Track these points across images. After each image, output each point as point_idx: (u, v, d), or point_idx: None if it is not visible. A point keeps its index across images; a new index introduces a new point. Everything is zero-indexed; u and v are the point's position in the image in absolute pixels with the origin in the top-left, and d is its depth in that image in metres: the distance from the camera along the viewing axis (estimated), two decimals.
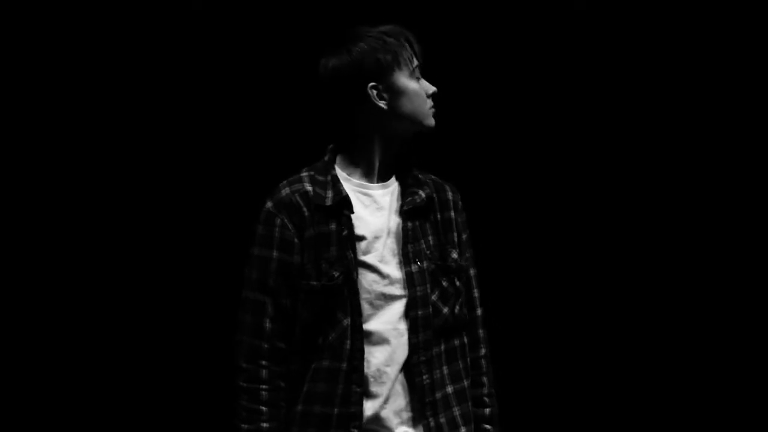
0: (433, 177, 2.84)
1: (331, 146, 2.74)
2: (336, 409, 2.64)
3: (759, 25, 4.13)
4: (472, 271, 2.87)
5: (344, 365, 2.64)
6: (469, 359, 2.80)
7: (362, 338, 2.65)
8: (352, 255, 2.65)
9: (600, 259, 4.25)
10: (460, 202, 2.85)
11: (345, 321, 2.64)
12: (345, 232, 2.65)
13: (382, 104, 2.68)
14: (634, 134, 4.22)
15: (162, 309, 4.23)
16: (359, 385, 2.65)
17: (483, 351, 2.84)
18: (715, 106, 4.19)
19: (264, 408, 2.65)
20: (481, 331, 2.85)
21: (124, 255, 4.22)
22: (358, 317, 2.65)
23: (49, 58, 4.16)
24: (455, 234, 2.78)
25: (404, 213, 2.71)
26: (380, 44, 2.68)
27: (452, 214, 2.79)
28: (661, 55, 4.19)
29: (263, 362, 2.65)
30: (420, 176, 2.80)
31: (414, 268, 2.69)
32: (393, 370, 2.67)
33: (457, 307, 2.75)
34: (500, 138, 4.23)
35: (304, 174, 2.72)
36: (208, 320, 4.16)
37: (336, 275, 2.64)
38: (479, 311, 2.86)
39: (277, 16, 4.20)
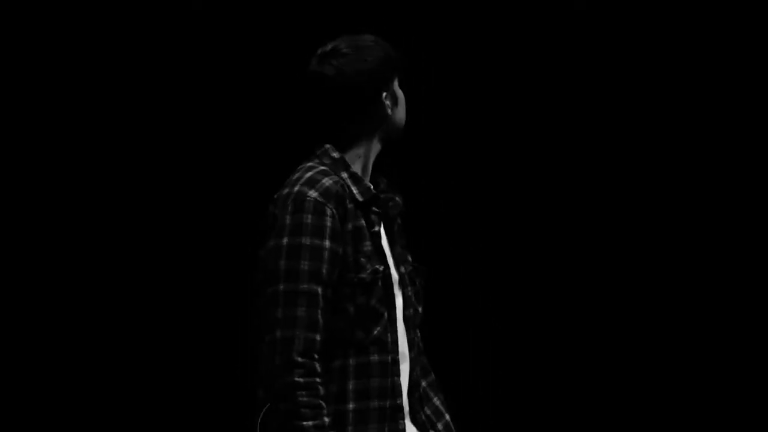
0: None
1: (327, 145, 2.73)
2: (388, 402, 2.64)
3: (759, 25, 4.13)
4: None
5: (389, 358, 2.63)
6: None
7: (396, 331, 2.66)
8: (384, 249, 2.66)
9: (596, 260, 4.25)
10: None
11: (386, 314, 2.63)
12: (376, 228, 2.65)
13: (389, 111, 2.70)
14: (633, 134, 4.22)
15: (157, 308, 4.24)
16: (399, 377, 2.65)
17: (422, 346, 2.83)
18: (715, 106, 4.18)
19: (323, 402, 2.55)
20: (418, 330, 2.82)
21: (118, 254, 4.23)
22: (393, 310, 2.65)
23: (49, 58, 4.16)
24: (405, 239, 2.79)
25: (394, 216, 2.71)
26: (388, 53, 2.69)
27: (400, 219, 2.77)
28: (661, 55, 4.19)
29: (316, 356, 2.56)
30: (385, 180, 2.80)
31: (402, 269, 2.70)
32: (406, 366, 2.69)
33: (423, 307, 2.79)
34: (500, 138, 4.22)
35: (323, 168, 2.66)
36: (202, 320, 4.18)
37: (381, 268, 2.62)
38: None
39: (275, 16, 4.20)
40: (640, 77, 4.20)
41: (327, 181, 2.60)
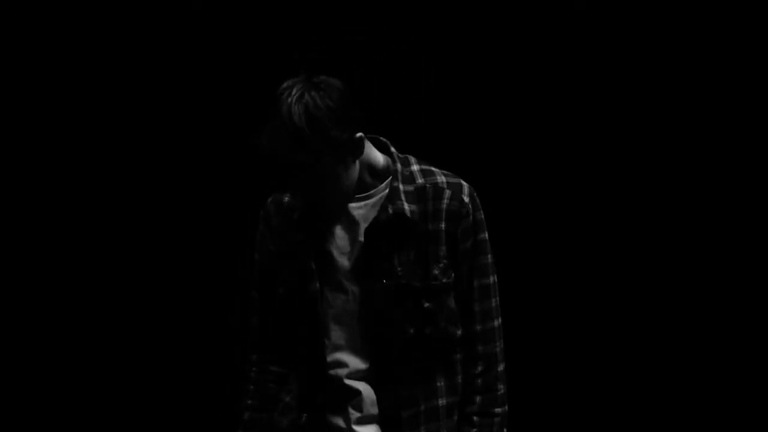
0: (438, 180, 2.74)
1: None
2: (305, 414, 2.73)
3: (759, 25, 4.12)
4: (475, 283, 2.74)
5: (305, 369, 2.72)
6: (461, 376, 2.75)
7: (323, 347, 2.68)
8: (314, 267, 2.67)
9: (596, 259, 4.24)
10: (464, 209, 2.72)
11: (302, 330, 2.70)
12: (308, 245, 2.68)
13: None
14: (634, 134, 4.21)
15: (157, 310, 4.24)
16: (322, 392, 2.70)
17: (479, 368, 2.74)
18: (716, 106, 4.17)
19: (251, 386, 2.84)
20: (480, 347, 2.74)
21: (117, 256, 4.24)
22: (318, 328, 2.68)
23: (49, 58, 4.17)
24: (443, 247, 2.69)
25: (368, 230, 2.67)
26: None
27: (442, 225, 2.69)
28: (661, 55, 4.18)
29: (256, 348, 2.85)
30: (418, 180, 2.74)
31: (376, 285, 2.65)
32: (355, 383, 2.68)
33: (430, 327, 2.68)
34: (499, 138, 4.22)
35: None
36: (203, 321, 4.19)
37: (294, 286, 2.69)
38: (479, 326, 2.74)
39: (274, 17, 4.20)
40: (640, 77, 4.19)
41: (270, 199, 2.79)
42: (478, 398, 2.74)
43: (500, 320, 2.77)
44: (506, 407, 2.77)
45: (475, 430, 2.73)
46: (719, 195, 4.19)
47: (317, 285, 2.66)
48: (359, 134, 2.59)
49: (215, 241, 4.21)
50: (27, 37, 4.16)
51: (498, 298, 2.77)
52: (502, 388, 2.76)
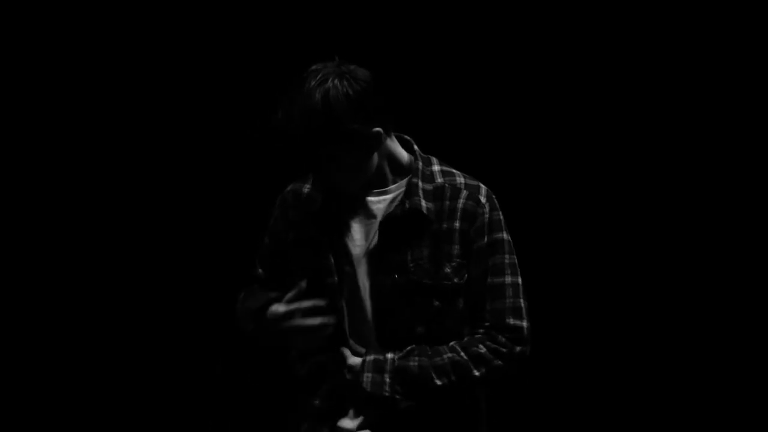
0: (457, 180, 2.74)
1: None
2: (317, 401, 2.70)
3: (759, 25, 4.14)
4: (489, 280, 2.68)
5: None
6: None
7: (339, 338, 2.66)
8: (332, 261, 2.66)
9: (596, 260, 4.26)
10: (480, 209, 2.70)
11: (319, 320, 2.65)
12: (326, 239, 2.67)
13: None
14: (634, 134, 4.23)
15: (161, 309, 4.25)
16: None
17: (466, 341, 2.67)
18: (716, 106, 4.19)
19: (255, 285, 2.81)
20: (480, 340, 2.66)
21: (122, 257, 4.24)
22: (336, 318, 2.65)
23: (49, 57, 4.17)
24: (456, 246, 2.67)
25: (382, 224, 2.67)
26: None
27: (457, 224, 2.68)
28: (661, 55, 4.19)
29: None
30: (438, 180, 2.72)
31: (387, 280, 2.64)
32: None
33: (438, 327, 2.67)
34: (499, 138, 4.23)
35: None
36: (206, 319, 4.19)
37: (313, 278, 2.66)
38: (487, 324, 2.67)
39: (276, 17, 4.20)
40: (640, 77, 4.20)
41: (289, 187, 2.78)
42: (454, 344, 2.66)
43: (527, 323, 2.68)
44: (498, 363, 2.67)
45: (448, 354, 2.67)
46: (725, 195, 4.21)
47: (335, 279, 2.66)
48: (377, 129, 2.58)
49: (221, 238, 4.22)
50: (27, 37, 4.15)
51: (523, 299, 2.69)
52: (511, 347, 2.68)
